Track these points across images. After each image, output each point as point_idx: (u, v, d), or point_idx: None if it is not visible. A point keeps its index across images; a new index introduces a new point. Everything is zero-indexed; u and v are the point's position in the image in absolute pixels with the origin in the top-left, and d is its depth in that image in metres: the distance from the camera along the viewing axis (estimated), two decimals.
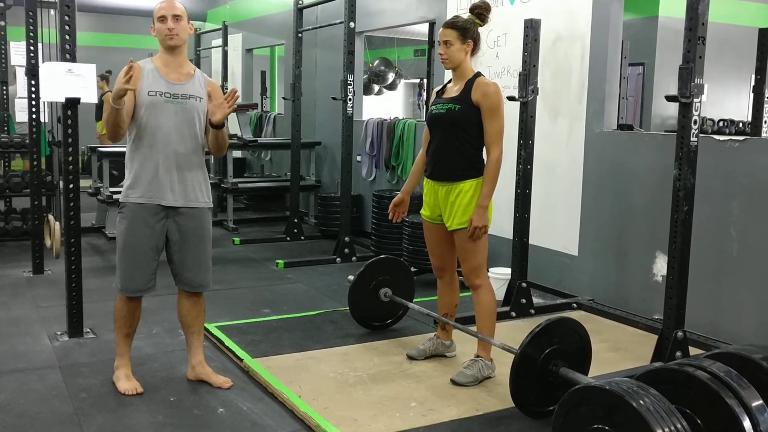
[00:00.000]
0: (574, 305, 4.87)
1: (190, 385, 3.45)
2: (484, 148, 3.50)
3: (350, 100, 6.05)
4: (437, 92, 3.68)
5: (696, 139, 3.62)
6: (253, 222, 8.36)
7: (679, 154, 3.65)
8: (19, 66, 6.74)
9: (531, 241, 4.73)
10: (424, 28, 8.77)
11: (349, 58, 6.03)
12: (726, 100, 8.81)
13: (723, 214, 4.11)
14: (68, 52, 4.00)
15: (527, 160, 4.59)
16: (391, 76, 14.63)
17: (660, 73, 7.91)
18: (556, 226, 5.19)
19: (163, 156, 3.20)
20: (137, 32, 12.52)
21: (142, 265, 3.26)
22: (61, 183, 4.78)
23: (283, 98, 7.60)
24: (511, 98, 4.42)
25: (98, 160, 7.18)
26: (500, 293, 4.70)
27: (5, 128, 7.19)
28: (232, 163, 7.86)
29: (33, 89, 5.40)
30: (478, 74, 3.50)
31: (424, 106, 11.92)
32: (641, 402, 2.18)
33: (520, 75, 4.53)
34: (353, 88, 6.07)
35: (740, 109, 8.73)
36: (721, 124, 8.09)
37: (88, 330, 4.17)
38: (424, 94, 13.67)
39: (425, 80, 11.89)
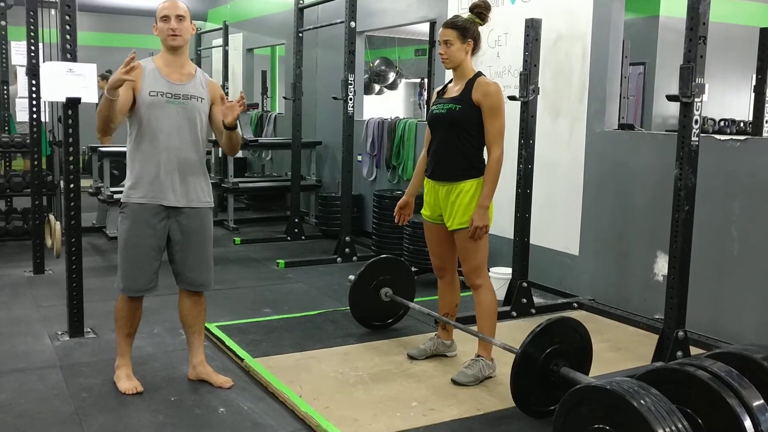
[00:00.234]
0: (575, 305, 4.86)
1: (191, 384, 3.45)
2: (485, 148, 3.50)
3: (351, 99, 6.05)
4: (438, 92, 3.68)
5: (697, 139, 3.61)
6: (254, 222, 8.36)
7: (680, 154, 3.65)
8: (20, 66, 6.74)
9: (532, 241, 4.73)
10: (425, 27, 8.76)
11: (350, 57, 6.02)
12: (727, 99, 8.80)
13: (724, 213, 4.10)
14: (69, 52, 4.00)
15: (528, 159, 4.59)
16: (391, 76, 14.63)
17: (661, 72, 7.92)
18: (557, 226, 5.19)
19: (164, 156, 3.20)
20: (138, 32, 12.52)
21: (144, 265, 3.26)
22: (61, 183, 4.78)
23: (284, 98, 7.60)
24: (512, 98, 4.42)
25: (99, 160, 7.19)
26: (501, 293, 4.71)
27: (6, 128, 7.20)
28: (233, 162, 7.85)
29: (34, 89, 5.40)
30: (479, 74, 3.50)
31: (425, 106, 11.93)
32: (642, 402, 2.18)
33: (520, 74, 4.53)
34: (354, 87, 6.07)
35: (741, 108, 8.73)
36: (722, 123, 8.10)
37: (89, 330, 4.17)
38: (425, 93, 13.68)
39: (426, 80, 11.89)
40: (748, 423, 2.22)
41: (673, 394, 2.28)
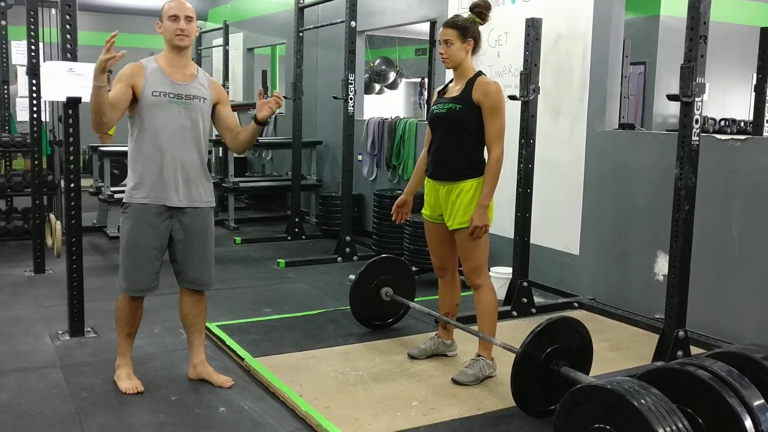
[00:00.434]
0: (576, 304, 4.86)
1: (192, 384, 3.45)
2: (485, 148, 3.50)
3: (351, 99, 6.05)
4: (439, 92, 3.68)
5: (697, 139, 3.61)
6: (254, 221, 8.36)
7: (681, 154, 3.64)
8: (21, 65, 6.75)
9: (532, 241, 4.73)
10: (426, 27, 8.76)
11: (350, 57, 6.03)
12: (727, 99, 8.80)
13: (724, 213, 4.10)
14: (69, 52, 4.00)
15: (528, 159, 4.59)
16: (392, 76, 14.62)
17: (661, 72, 7.91)
18: (558, 226, 5.19)
19: (167, 157, 3.20)
20: (139, 31, 12.51)
21: (146, 265, 3.26)
22: (62, 182, 4.78)
23: (284, 97, 7.59)
24: (512, 97, 4.42)
25: (99, 160, 7.19)
26: (501, 292, 4.70)
27: (6, 127, 7.20)
28: (233, 162, 7.85)
29: (34, 88, 5.40)
30: (480, 73, 3.50)
31: (425, 106, 11.92)
32: (643, 401, 2.18)
33: (521, 74, 4.52)
34: (354, 87, 6.07)
35: (742, 108, 8.72)
36: (722, 123, 8.09)
37: (90, 329, 4.17)
38: (425, 93, 13.67)
39: (426, 79, 11.88)
40: (748, 423, 2.22)
41: (674, 394, 2.28)
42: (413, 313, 4.39)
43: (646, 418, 2.13)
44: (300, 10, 7.09)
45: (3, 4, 6.56)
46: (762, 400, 2.30)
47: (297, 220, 7.28)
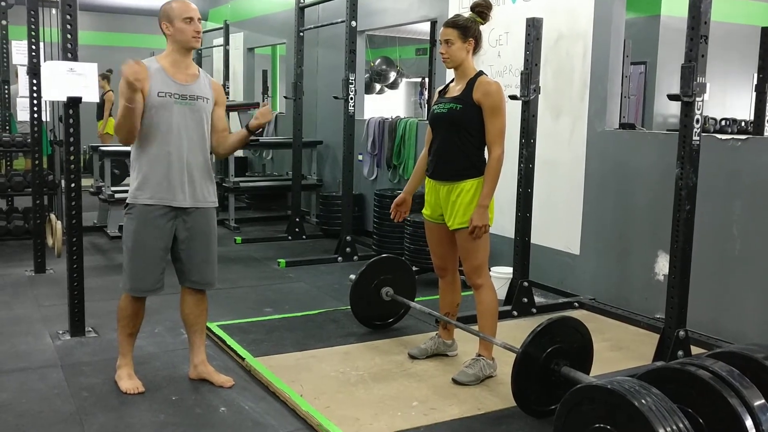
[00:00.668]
0: (576, 304, 4.86)
1: (192, 384, 3.45)
2: (486, 147, 3.50)
3: (352, 99, 6.05)
4: (440, 92, 3.68)
5: (698, 138, 3.61)
6: (255, 221, 8.36)
7: (681, 153, 3.64)
8: (21, 65, 6.75)
9: (533, 240, 4.73)
10: (426, 27, 8.75)
11: (351, 57, 6.02)
12: (728, 99, 8.80)
13: (725, 213, 4.10)
14: (70, 51, 4.00)
15: (529, 159, 4.59)
16: (392, 75, 14.63)
17: (662, 71, 7.91)
18: (558, 225, 5.19)
19: (174, 157, 3.20)
20: (139, 31, 12.54)
21: (151, 266, 3.26)
22: (62, 182, 4.78)
23: (285, 97, 7.59)
24: (512, 97, 4.42)
25: (100, 159, 7.19)
26: (502, 292, 4.70)
27: (7, 127, 7.20)
28: (234, 162, 7.85)
29: (34, 88, 5.40)
30: (480, 73, 3.50)
31: (426, 106, 11.92)
32: (643, 401, 2.18)
33: (521, 74, 4.52)
34: (355, 87, 6.07)
35: (742, 108, 8.72)
36: (723, 123, 8.09)
37: (90, 329, 4.17)
38: (426, 93, 13.67)
39: (427, 79, 11.88)
40: (749, 423, 2.22)
41: (675, 394, 2.28)
42: (414, 312, 4.39)
43: (647, 418, 2.13)
44: (300, 9, 7.09)
45: (3, 3, 6.56)
46: (763, 400, 2.29)
47: (297, 219, 7.28)
